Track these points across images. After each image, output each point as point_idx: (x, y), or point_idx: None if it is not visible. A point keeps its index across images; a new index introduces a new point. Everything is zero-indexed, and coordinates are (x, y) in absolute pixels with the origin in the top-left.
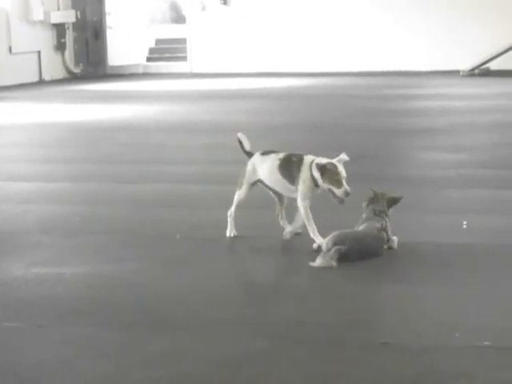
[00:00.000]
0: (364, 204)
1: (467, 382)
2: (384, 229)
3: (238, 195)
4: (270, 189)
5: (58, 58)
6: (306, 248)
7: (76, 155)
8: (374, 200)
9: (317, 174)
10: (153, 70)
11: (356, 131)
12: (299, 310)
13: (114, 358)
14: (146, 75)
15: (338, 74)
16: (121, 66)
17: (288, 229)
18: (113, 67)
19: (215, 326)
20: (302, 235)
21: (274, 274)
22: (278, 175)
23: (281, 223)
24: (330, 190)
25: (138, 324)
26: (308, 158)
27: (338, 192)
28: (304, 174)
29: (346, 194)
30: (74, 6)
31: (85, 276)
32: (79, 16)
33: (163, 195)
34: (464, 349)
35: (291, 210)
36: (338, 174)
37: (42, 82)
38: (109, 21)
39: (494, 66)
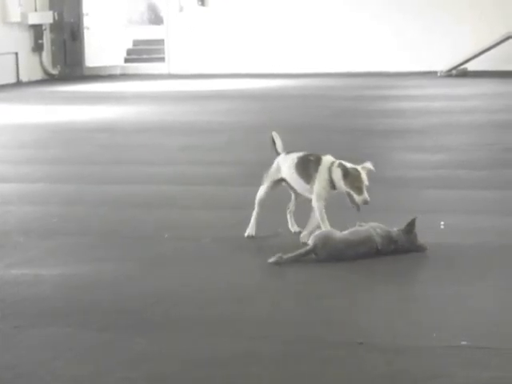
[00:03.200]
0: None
1: (444, 381)
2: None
3: (259, 192)
4: (290, 187)
5: (35, 59)
6: (284, 248)
7: (54, 156)
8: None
9: (338, 176)
10: (130, 71)
11: (334, 132)
12: (276, 309)
13: (92, 358)
14: (123, 76)
15: (317, 74)
16: (98, 67)
17: (305, 231)
18: (90, 68)
19: (193, 327)
20: (278, 236)
21: (250, 274)
22: (295, 174)
23: (288, 216)
24: (349, 194)
25: (116, 324)
26: (327, 159)
27: (358, 199)
28: (321, 175)
29: (365, 201)
30: (52, 7)
31: (63, 277)
32: (57, 17)
33: (141, 196)
34: (441, 349)
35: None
36: (360, 180)
37: (19, 84)
38: (86, 22)
39: (471, 66)
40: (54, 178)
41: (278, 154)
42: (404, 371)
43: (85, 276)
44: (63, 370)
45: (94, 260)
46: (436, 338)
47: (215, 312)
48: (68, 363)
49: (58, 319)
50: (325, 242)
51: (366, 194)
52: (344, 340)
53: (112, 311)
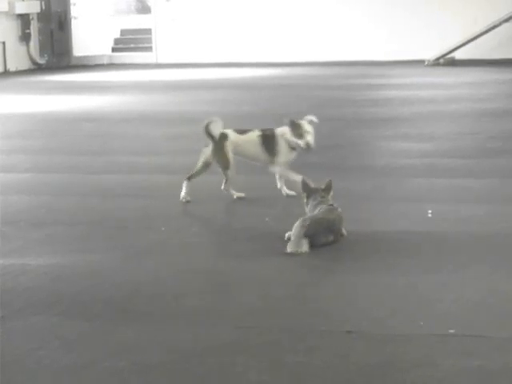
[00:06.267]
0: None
1: (431, 370)
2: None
3: None
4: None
5: (22, 48)
6: (269, 236)
7: (41, 146)
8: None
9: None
10: (118, 61)
11: (321, 121)
12: (262, 298)
13: (78, 348)
14: (111, 66)
15: (304, 63)
16: (86, 57)
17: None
18: (78, 58)
19: (178, 316)
20: (266, 225)
21: (237, 263)
22: None
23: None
24: (296, 143)
25: (101, 314)
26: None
27: (301, 142)
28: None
29: (307, 144)
30: None
31: (49, 267)
32: (44, 6)
33: (129, 186)
34: (428, 337)
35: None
36: (302, 129)
37: (6, 73)
38: (73, 11)
39: (458, 55)
40: (41, 168)
41: None
42: (392, 360)
43: (72, 266)
44: (49, 359)
45: (81, 250)
46: (423, 326)
47: (202, 301)
48: (54, 353)
49: (44, 309)
50: (316, 230)
51: (307, 138)
52: (332, 329)
53: (98, 301)
